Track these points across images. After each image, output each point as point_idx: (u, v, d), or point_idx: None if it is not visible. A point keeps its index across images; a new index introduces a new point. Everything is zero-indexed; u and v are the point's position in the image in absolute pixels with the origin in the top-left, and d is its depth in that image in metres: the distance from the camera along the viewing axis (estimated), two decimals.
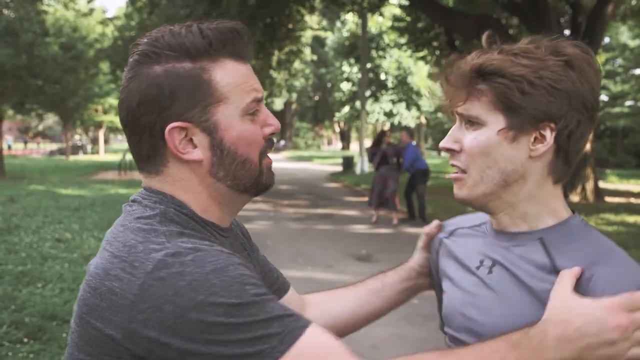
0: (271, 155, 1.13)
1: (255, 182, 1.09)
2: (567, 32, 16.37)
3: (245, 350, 0.89)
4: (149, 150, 1.04)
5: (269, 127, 1.10)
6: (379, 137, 12.46)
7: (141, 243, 0.95)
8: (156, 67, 1.01)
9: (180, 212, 1.04)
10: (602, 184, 18.35)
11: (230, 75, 1.04)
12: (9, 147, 61.20)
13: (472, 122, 1.10)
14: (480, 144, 1.08)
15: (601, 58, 32.64)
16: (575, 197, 15.12)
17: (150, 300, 0.89)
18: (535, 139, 1.07)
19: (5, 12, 21.64)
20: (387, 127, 43.34)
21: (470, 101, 1.09)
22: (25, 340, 4.75)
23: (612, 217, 12.25)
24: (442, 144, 1.14)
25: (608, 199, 15.86)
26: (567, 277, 0.99)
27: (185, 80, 1.00)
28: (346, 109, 42.04)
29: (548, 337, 0.93)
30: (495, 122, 1.07)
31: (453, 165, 1.13)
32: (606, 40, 32.49)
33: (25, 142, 73.17)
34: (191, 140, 1.03)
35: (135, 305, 0.90)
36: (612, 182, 23.13)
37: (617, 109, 35.71)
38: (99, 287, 0.95)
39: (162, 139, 1.02)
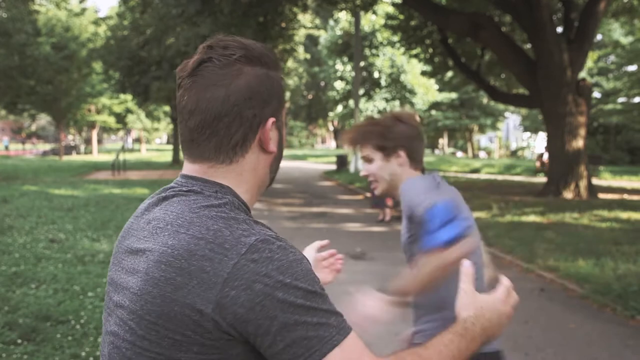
0: None
1: (273, 178, 1.29)
2: (559, 29, 16.42)
3: (309, 334, 1.01)
4: (239, 139, 1.16)
5: None
6: None
7: (226, 228, 1.06)
8: (257, 68, 1.16)
9: (239, 201, 1.17)
10: (595, 181, 18.40)
11: (283, 87, 1.24)
12: (6, 148, 61.19)
13: (369, 159, 2.30)
14: (375, 168, 2.29)
15: (594, 55, 32.78)
16: (568, 194, 15.17)
17: (242, 278, 1.01)
18: (397, 157, 2.25)
19: None
20: None
21: (365, 148, 2.30)
22: (19, 341, 4.73)
23: (605, 213, 12.29)
24: (362, 174, 2.39)
25: (601, 195, 15.91)
26: (467, 276, 1.29)
27: (276, 82, 1.19)
28: (340, 107, 42.02)
29: (477, 326, 1.24)
30: (377, 157, 2.28)
31: (370, 180, 2.34)
32: (599, 37, 32.60)
33: (24, 143, 72.96)
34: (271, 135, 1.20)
35: (227, 282, 1.00)
36: (605, 179, 23.21)
37: (610, 106, 35.82)
38: (186, 267, 1.03)
39: (255, 131, 1.16)
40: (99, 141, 68.92)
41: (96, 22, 31.73)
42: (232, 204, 1.12)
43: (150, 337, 1.06)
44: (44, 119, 69.32)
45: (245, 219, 1.10)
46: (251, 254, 1.02)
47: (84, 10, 31.51)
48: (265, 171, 1.22)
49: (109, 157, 39.68)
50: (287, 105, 67.42)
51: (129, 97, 38.31)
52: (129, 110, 51.58)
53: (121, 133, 75.75)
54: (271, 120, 1.17)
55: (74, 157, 47.00)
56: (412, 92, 40.26)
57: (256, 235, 1.05)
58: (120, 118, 53.91)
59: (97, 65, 35.88)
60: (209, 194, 1.14)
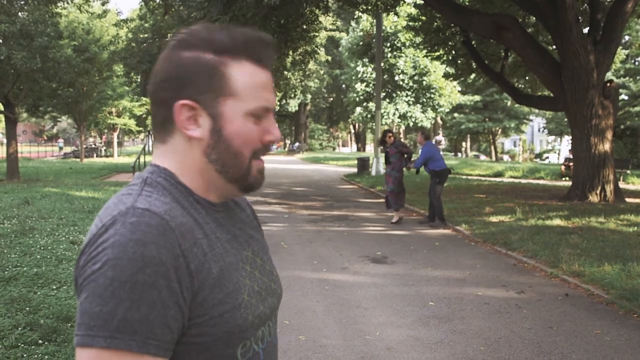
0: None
1: (242, 176, 1.19)
2: (585, 30, 16.20)
3: (81, 319, 0.97)
4: (162, 119, 1.18)
5: (270, 135, 1.21)
6: (382, 137, 12.56)
7: (114, 204, 1.08)
8: (186, 52, 1.16)
9: (167, 180, 1.16)
10: (622, 185, 18.11)
11: (247, 76, 1.17)
12: (60, 149, 64.93)
13: None
14: None
15: (620, 56, 32.32)
16: (594, 198, 14.93)
17: (91, 248, 1.01)
18: None
19: (21, 15, 21.72)
20: (402, 128, 43.15)
21: None
22: (40, 342, 4.75)
23: (632, 217, 12.06)
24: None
25: (629, 199, 15.65)
26: None
27: (205, 67, 1.15)
28: (359, 109, 41.80)
29: None
30: None
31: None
32: (626, 38, 32.15)
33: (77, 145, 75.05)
34: (196, 120, 1.16)
35: (83, 251, 1.03)
36: (632, 183, 22.80)
37: (637, 108, 35.28)
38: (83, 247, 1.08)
39: (172, 113, 1.17)
40: (120, 144, 69.42)
41: (117, 25, 31.88)
42: (144, 181, 1.15)
43: None
44: (64, 122, 70.11)
45: (137, 193, 1.10)
46: (108, 226, 1.02)
47: (105, 12, 31.67)
48: (200, 159, 1.18)
49: (129, 160, 39.97)
50: (308, 108, 67.61)
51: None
52: (150, 113, 51.80)
53: (142, 136, 76.33)
54: (181, 102, 1.14)
55: (95, 160, 47.45)
56: (435, 94, 39.97)
57: (123, 208, 1.05)
58: (141, 120, 54.28)
59: (118, 68, 36.16)
60: (140, 175, 1.18)
